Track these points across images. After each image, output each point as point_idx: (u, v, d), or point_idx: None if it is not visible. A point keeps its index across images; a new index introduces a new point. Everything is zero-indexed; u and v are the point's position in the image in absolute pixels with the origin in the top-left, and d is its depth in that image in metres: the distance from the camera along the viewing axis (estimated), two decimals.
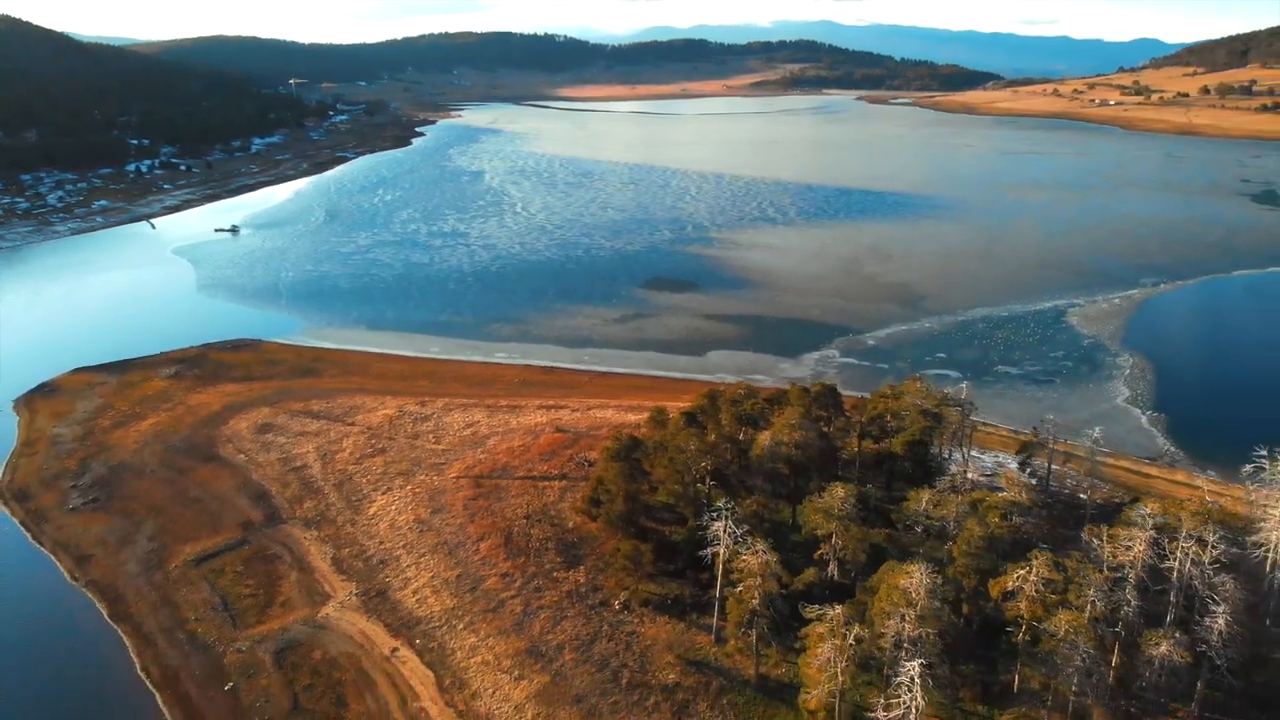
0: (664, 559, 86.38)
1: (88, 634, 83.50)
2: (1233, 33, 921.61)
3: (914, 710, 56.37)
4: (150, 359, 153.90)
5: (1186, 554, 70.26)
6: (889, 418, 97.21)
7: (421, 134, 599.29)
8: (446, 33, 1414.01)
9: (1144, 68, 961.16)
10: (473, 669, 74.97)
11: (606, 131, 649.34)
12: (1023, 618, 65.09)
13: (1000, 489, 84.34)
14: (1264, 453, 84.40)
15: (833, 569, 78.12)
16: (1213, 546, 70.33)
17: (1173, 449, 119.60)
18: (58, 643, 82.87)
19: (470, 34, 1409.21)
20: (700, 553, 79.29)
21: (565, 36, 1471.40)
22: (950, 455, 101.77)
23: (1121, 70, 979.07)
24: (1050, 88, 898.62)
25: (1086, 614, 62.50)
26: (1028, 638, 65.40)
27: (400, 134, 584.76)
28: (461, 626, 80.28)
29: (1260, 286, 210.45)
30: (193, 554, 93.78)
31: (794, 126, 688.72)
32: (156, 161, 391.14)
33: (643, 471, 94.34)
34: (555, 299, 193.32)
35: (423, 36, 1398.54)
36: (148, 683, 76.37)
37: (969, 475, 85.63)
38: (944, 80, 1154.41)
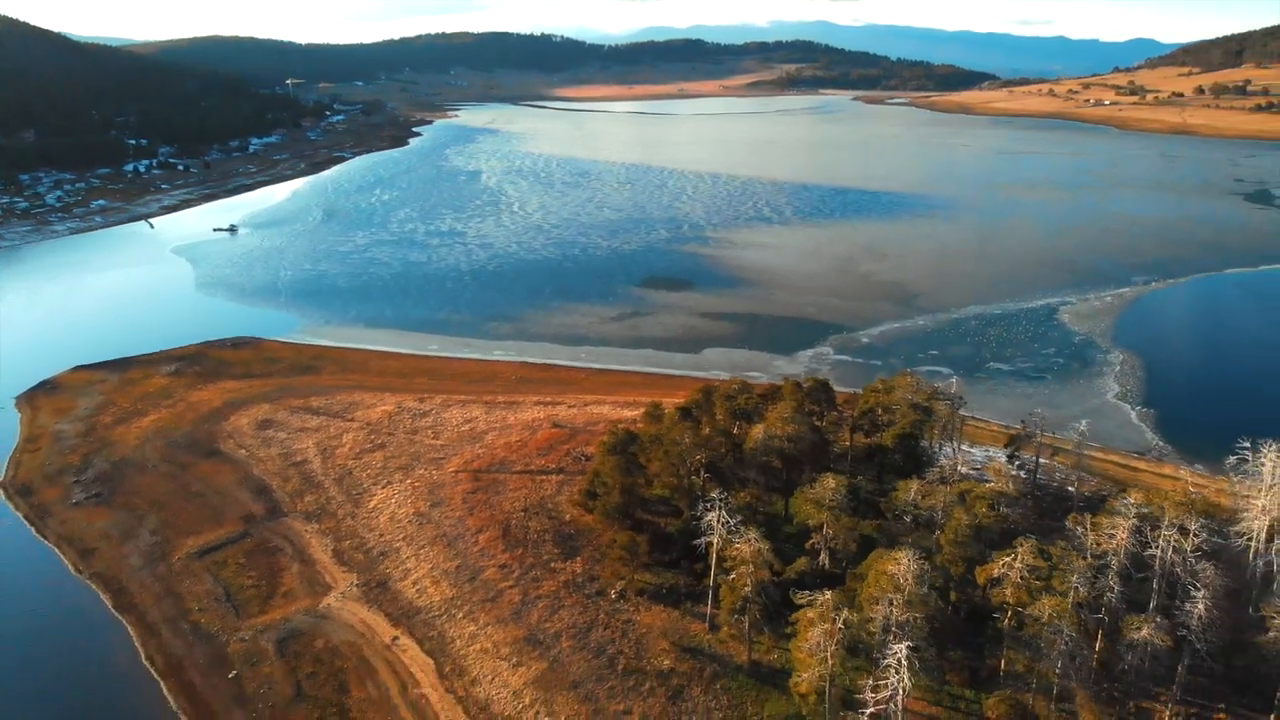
0: (659, 550, 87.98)
1: (92, 625, 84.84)
2: (1228, 33, 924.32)
3: (900, 691, 58.04)
4: (151, 357, 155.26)
5: (1169, 542, 71.96)
6: (880, 412, 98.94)
7: (418, 134, 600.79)
8: (443, 33, 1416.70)
9: (1139, 68, 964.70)
10: (472, 656, 76.56)
11: (603, 132, 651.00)
12: (1008, 603, 66.79)
13: (989, 481, 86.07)
14: (1246, 445, 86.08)
15: (824, 558, 79.82)
16: (1194, 535, 72.05)
17: (1161, 443, 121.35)
18: (63, 633, 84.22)
19: (467, 34, 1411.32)
20: (694, 542, 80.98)
21: (562, 37, 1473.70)
22: (940, 449, 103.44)
23: (1117, 70, 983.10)
24: (1046, 88, 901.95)
25: (1070, 599, 64.16)
26: (1013, 623, 67.06)
27: (397, 134, 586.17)
28: (461, 615, 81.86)
29: (1252, 284, 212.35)
30: (195, 547, 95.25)
31: (790, 127, 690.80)
32: (154, 161, 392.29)
33: (638, 465, 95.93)
34: (552, 297, 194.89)
35: (419, 37, 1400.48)
36: (152, 671, 77.77)
37: (959, 468, 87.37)
38: (940, 80, 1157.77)
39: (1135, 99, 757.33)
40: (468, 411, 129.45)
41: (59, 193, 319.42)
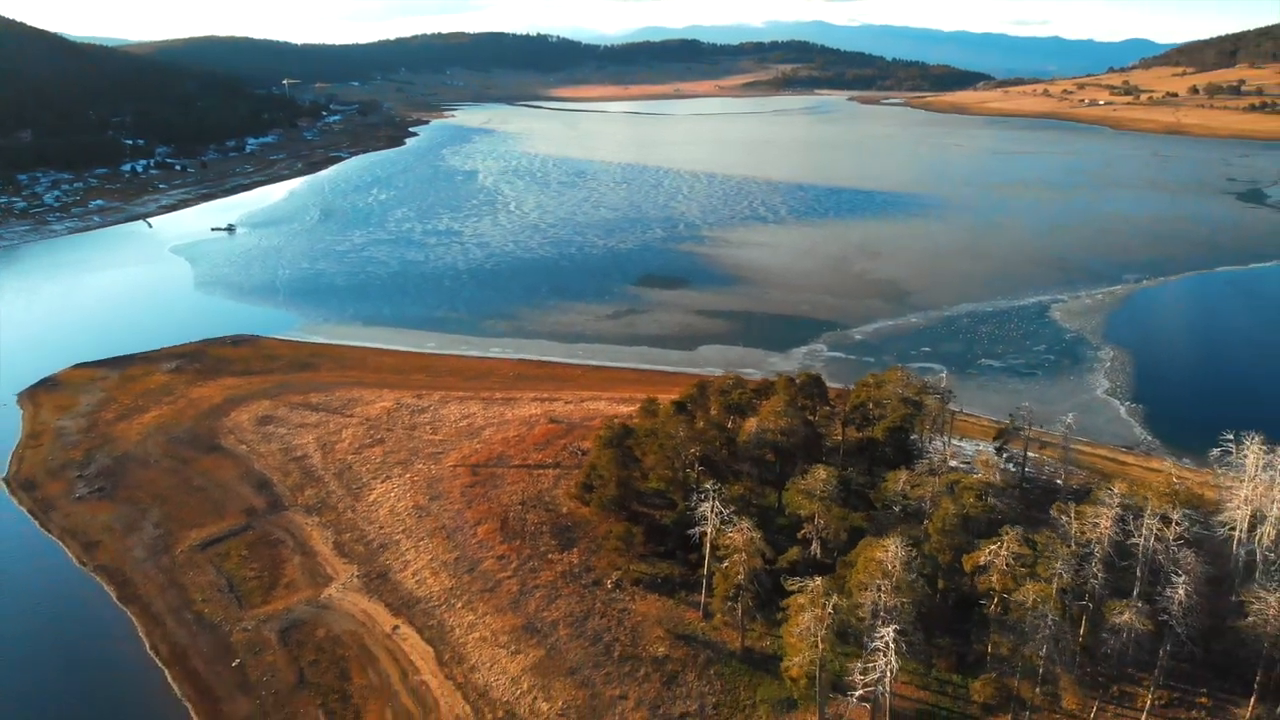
0: (654, 541, 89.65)
1: (97, 615, 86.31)
2: (1223, 33, 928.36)
3: (888, 673, 59.74)
4: (151, 354, 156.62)
5: (1151, 531, 73.78)
6: (871, 406, 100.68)
7: (415, 134, 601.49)
8: (439, 33, 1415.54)
9: (1134, 68, 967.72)
10: (471, 644, 78.20)
11: (599, 131, 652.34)
12: (994, 590, 68.51)
13: (978, 474, 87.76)
14: (1230, 437, 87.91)
15: (815, 548, 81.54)
16: (1177, 524, 73.87)
17: (1149, 438, 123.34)
18: (69, 624, 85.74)
19: (463, 34, 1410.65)
20: (689, 532, 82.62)
21: (558, 37, 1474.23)
22: (930, 443, 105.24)
23: (1111, 70, 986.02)
24: (1040, 88, 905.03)
25: (1054, 586, 65.88)
26: (999, 609, 68.77)
27: (393, 134, 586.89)
28: (460, 605, 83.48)
29: (1242, 282, 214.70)
30: (198, 539, 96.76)
31: (786, 126, 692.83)
32: (151, 161, 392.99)
33: (634, 458, 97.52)
34: (549, 296, 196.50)
35: (415, 37, 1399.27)
36: (157, 660, 79.31)
37: (948, 461, 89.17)
38: (935, 81, 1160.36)
39: (1129, 99, 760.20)
40: (465, 408, 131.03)
41: (57, 192, 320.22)
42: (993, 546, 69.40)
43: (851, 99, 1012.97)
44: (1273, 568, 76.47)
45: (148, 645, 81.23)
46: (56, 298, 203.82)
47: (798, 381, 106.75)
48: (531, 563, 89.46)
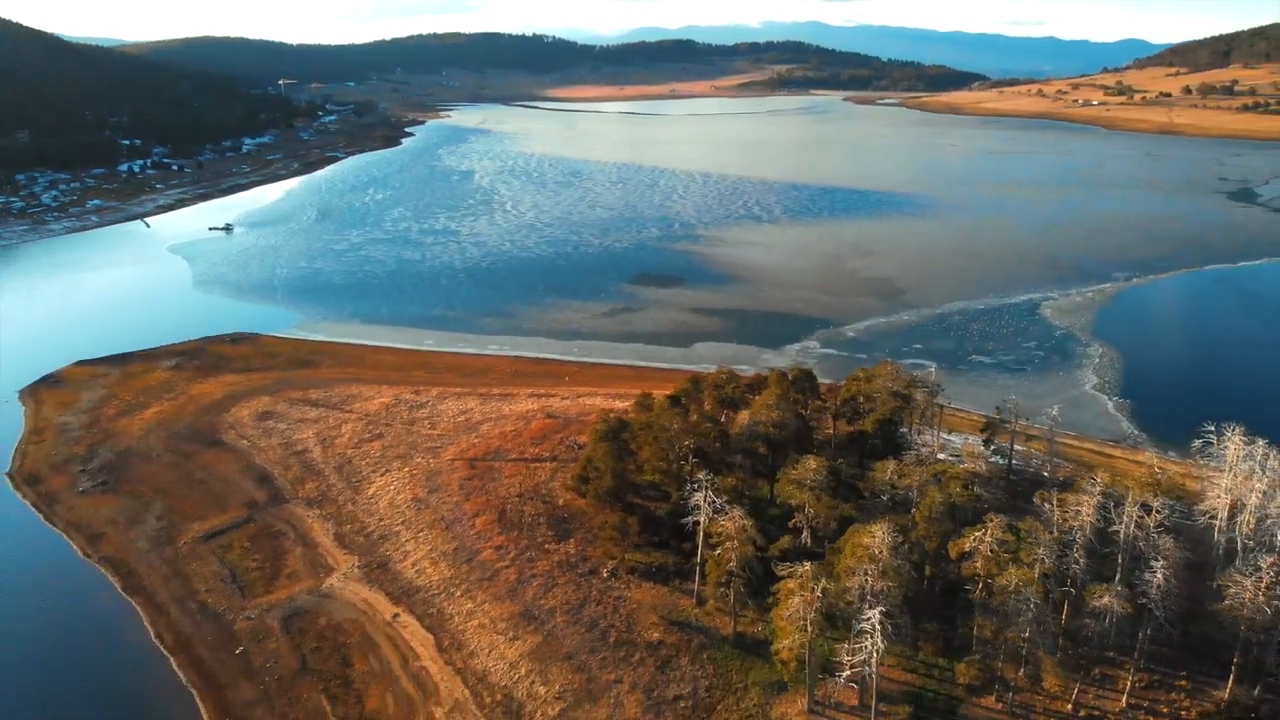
0: (649, 531, 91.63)
1: (103, 605, 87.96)
2: (1217, 33, 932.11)
3: (874, 654, 61.69)
4: (151, 351, 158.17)
5: (1132, 518, 75.84)
6: (861, 399, 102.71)
7: (411, 134, 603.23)
8: (435, 33, 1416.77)
9: (1128, 68, 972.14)
10: (470, 631, 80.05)
11: (595, 132, 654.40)
12: (979, 575, 70.50)
13: (964, 464, 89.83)
14: (1211, 429, 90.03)
15: (806, 537, 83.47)
16: (1157, 511, 75.94)
17: (1136, 432, 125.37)
18: (75, 613, 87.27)
19: (458, 35, 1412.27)
20: (682, 521, 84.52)
21: (553, 37, 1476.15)
22: (920, 435, 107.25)
23: (1105, 71, 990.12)
24: (1035, 88, 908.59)
25: (1036, 570, 67.90)
26: (983, 593, 70.75)
27: (389, 134, 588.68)
28: (459, 594, 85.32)
29: (1232, 280, 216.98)
30: (201, 531, 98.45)
31: (781, 127, 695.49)
32: (148, 161, 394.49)
33: (629, 451, 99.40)
34: (545, 294, 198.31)
35: (411, 37, 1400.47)
36: (162, 648, 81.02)
37: (937, 453, 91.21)
38: (930, 81, 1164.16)
39: (1123, 99, 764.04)
40: (463, 403, 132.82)
41: (54, 192, 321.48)
42: (977, 533, 71.43)
43: (847, 99, 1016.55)
44: (1251, 554, 78.53)
45: (152, 634, 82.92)
46: (56, 296, 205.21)
47: (790, 376, 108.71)
48: (529, 553, 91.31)
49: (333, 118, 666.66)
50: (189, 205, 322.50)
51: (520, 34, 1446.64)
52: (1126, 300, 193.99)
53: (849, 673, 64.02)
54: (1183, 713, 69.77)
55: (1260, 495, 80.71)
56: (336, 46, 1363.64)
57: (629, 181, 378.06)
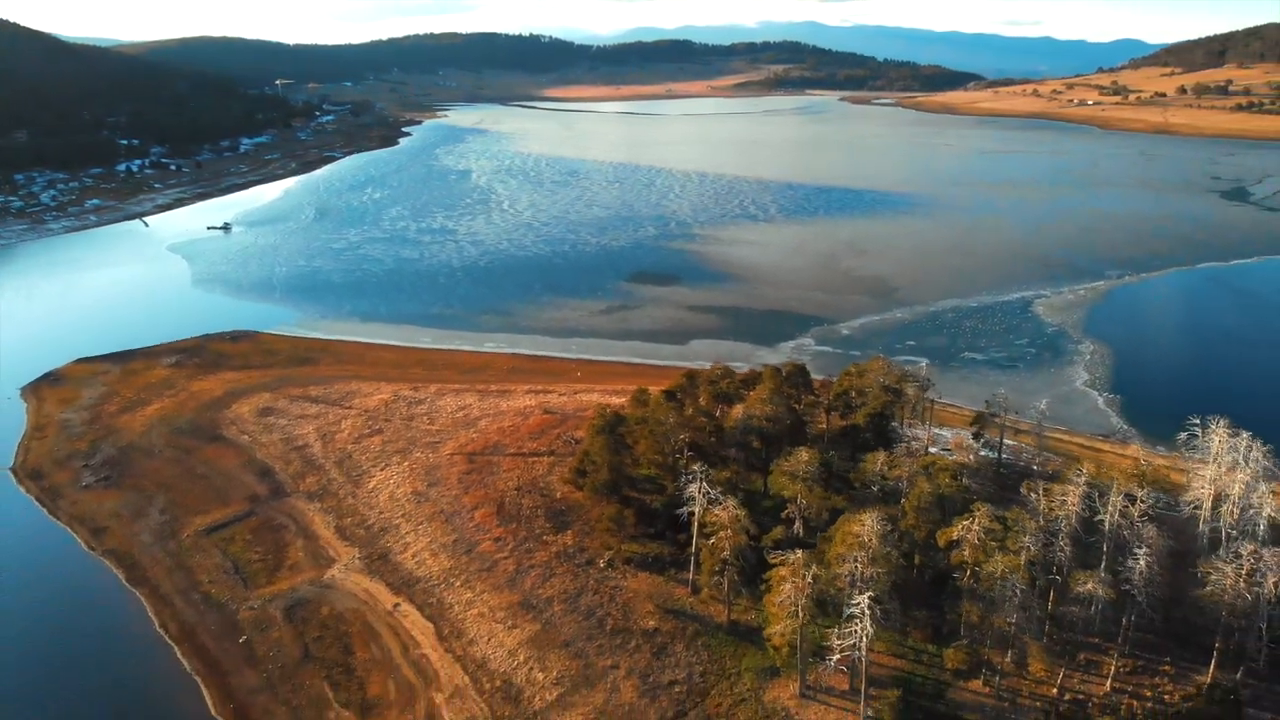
0: (645, 523, 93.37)
1: (107, 597, 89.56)
2: (1212, 33, 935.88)
3: (864, 638, 63.37)
4: (151, 349, 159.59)
5: (1117, 508, 77.62)
6: (854, 394, 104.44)
7: (408, 134, 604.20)
8: (431, 33, 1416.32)
9: (1123, 68, 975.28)
10: (469, 620, 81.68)
11: (592, 131, 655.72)
12: (966, 563, 72.20)
13: (953, 456, 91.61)
14: (1196, 422, 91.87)
15: (798, 527, 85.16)
16: (1141, 501, 77.74)
17: (1125, 426, 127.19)
18: (79, 605, 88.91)
19: (455, 35, 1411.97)
20: (677, 512, 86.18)
21: (550, 37, 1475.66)
22: (912, 429, 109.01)
23: (1101, 70, 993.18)
24: (1030, 88, 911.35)
25: (1022, 557, 69.65)
26: (971, 580, 72.47)
27: (387, 134, 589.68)
28: (458, 584, 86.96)
29: (1223, 278, 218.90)
30: (203, 525, 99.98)
31: (777, 127, 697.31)
32: (146, 161, 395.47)
33: (626, 445, 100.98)
34: (543, 292, 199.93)
35: (408, 37, 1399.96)
36: (166, 637, 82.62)
37: (928, 446, 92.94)
38: (926, 81, 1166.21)
39: (1118, 99, 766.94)
40: (462, 399, 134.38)
41: (53, 192, 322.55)
42: (965, 522, 73.13)
43: (843, 99, 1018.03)
44: (1234, 544, 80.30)
45: (157, 624, 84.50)
46: (56, 295, 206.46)
47: (784, 371, 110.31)
48: (527, 544, 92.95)
49: (330, 118, 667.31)
50: (187, 205, 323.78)
51: (517, 34, 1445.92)
52: (1118, 298, 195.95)
53: (839, 656, 65.69)
54: (1165, 696, 71.50)
55: (1243, 486, 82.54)
56: (333, 47, 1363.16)
57: (625, 181, 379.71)
